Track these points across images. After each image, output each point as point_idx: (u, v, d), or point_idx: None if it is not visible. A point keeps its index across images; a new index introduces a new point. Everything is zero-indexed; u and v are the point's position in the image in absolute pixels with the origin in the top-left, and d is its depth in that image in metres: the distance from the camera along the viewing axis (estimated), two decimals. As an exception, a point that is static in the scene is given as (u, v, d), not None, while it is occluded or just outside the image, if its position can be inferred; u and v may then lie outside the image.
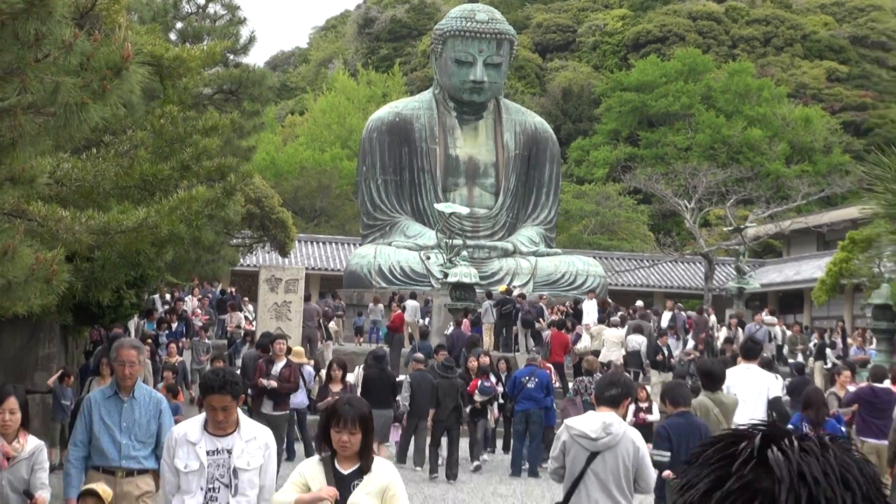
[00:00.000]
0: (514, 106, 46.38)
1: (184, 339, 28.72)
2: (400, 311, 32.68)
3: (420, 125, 43.13)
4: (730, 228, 48.56)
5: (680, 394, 9.08)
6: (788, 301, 51.41)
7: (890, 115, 71.50)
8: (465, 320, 30.76)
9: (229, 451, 6.86)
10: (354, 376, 19.81)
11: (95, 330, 21.90)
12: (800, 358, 32.33)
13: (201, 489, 6.77)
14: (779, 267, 56.04)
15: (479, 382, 19.63)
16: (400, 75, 72.91)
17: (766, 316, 37.58)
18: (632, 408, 17.82)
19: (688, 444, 11.70)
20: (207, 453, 6.85)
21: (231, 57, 24.34)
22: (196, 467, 6.81)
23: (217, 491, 6.80)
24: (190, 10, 25.81)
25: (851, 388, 18.30)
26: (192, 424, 7.14)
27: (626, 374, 23.93)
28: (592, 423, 8.29)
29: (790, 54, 78.56)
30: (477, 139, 43.70)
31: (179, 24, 26.14)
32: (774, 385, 15.69)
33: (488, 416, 20.65)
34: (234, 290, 42.55)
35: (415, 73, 74.60)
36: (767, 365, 16.66)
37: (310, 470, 6.42)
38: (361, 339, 35.38)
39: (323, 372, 20.93)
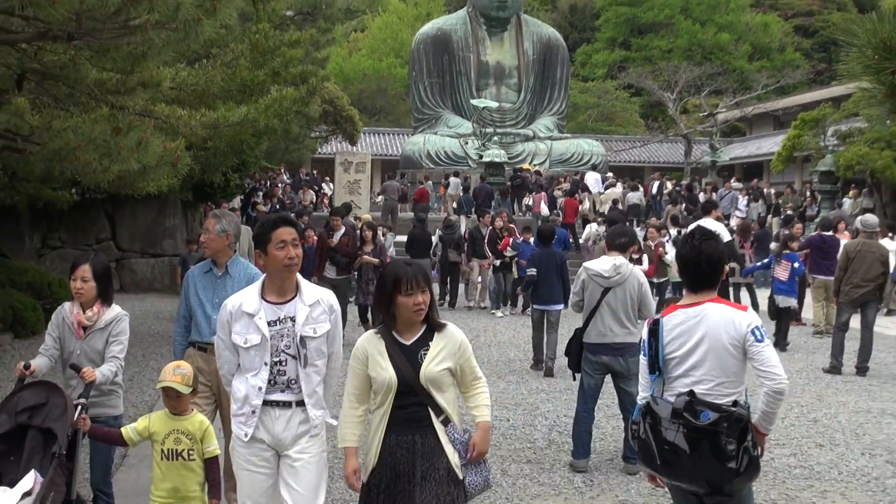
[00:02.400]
0: (531, 20, 45.64)
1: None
2: (422, 186, 32.83)
3: (457, 37, 42.62)
4: (704, 114, 48.11)
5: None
6: (751, 171, 50.88)
7: (832, 20, 70.07)
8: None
9: (293, 319, 4.98)
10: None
11: (208, 206, 21.83)
12: (789, 212, 32.08)
13: (266, 364, 4.94)
14: (744, 144, 55.47)
15: (511, 240, 19.23)
16: (440, -1, 71.97)
17: (734, 183, 37.35)
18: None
19: (546, 265, 13.44)
20: (269, 324, 4.96)
21: (308, -16, 24.11)
22: (258, 341, 4.93)
23: (284, 364, 4.97)
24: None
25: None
26: (248, 294, 5.12)
27: (629, 222, 24.01)
28: (605, 264, 8.27)
29: (752, -28, 76.90)
30: (503, 47, 43.16)
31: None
32: (725, 234, 15.72)
33: (513, 270, 19.54)
34: (315, 172, 42.69)
35: (453, -4, 73.51)
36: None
37: (370, 345, 4.86)
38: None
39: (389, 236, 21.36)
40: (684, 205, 31.03)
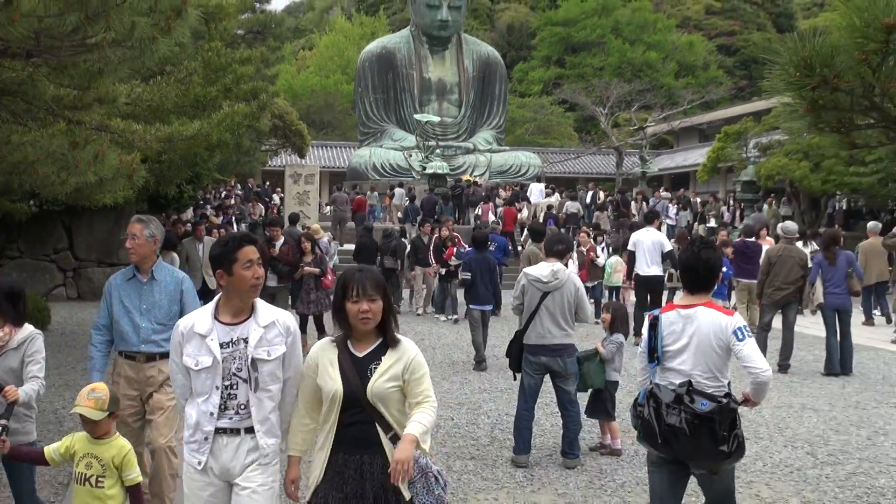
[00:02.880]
0: (471, 39, 45.75)
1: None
2: (362, 196, 33.15)
3: (401, 55, 42.63)
4: (634, 128, 48.58)
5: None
6: (679, 181, 51.42)
7: (752, 39, 71.20)
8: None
9: (245, 341, 4.46)
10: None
11: (163, 217, 21.58)
12: (713, 222, 32.47)
13: (217, 388, 4.43)
14: (671, 156, 56.06)
15: (455, 249, 19.05)
16: (384, 18, 71.71)
17: (662, 192, 37.77)
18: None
19: (481, 269, 13.74)
20: (221, 346, 4.45)
21: (257, 5, 23.91)
22: (209, 363, 4.42)
23: (235, 388, 4.45)
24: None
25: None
26: (201, 314, 4.62)
27: (567, 231, 24.19)
28: (544, 270, 8.32)
29: (677, -6, 77.95)
30: (444, 65, 43.25)
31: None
32: (666, 242, 16.06)
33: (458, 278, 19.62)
34: (267, 183, 42.40)
35: (395, 16, 73.18)
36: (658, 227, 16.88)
37: (322, 354, 4.46)
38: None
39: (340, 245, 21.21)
40: (610, 210, 31.55)
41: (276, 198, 39.16)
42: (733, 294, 17.93)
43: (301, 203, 30.68)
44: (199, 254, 14.79)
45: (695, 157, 49.48)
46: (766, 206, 32.14)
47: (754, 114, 41.45)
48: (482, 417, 10.03)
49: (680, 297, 5.64)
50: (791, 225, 14.83)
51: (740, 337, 5.15)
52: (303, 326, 13.85)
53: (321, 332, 13.64)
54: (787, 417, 10.32)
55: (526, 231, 23.68)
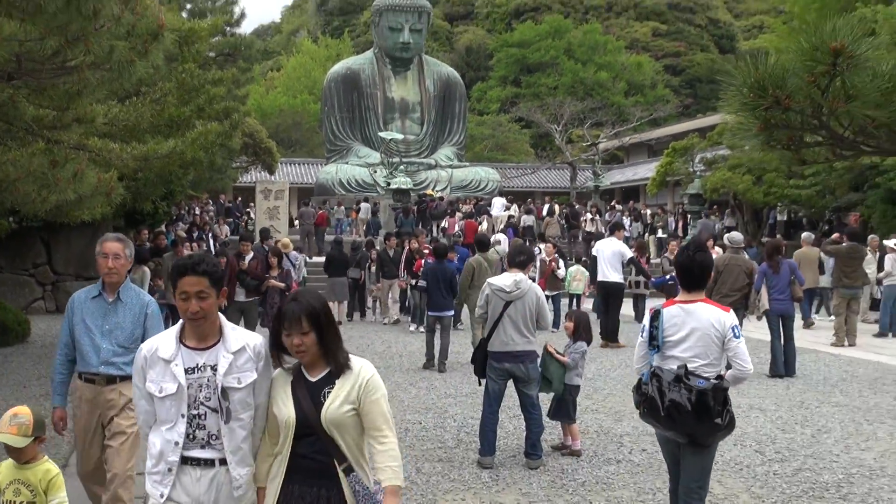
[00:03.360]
0: (432, 60, 45.91)
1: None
2: (324, 212, 33.40)
3: (365, 76, 42.69)
4: (587, 144, 48.77)
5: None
6: (629, 194, 51.83)
7: (696, 60, 72.05)
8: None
9: (213, 368, 3.98)
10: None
11: (139, 232, 21.33)
12: (660, 233, 32.68)
13: (182, 416, 3.95)
14: (622, 170, 56.47)
15: (424, 261, 18.93)
16: (349, 40, 71.68)
17: (616, 205, 38.01)
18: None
19: (437, 278, 14.02)
20: (186, 371, 3.97)
21: (228, 29, 23.84)
22: (173, 390, 3.93)
23: (204, 417, 3.97)
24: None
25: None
26: (165, 337, 4.13)
27: (525, 242, 24.29)
28: (507, 280, 8.32)
29: (626, 17, 78.38)
30: (406, 85, 43.33)
31: (189, 5, 25.55)
32: (627, 251, 16.22)
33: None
34: (239, 199, 42.09)
35: (359, 38, 73.19)
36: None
37: (277, 381, 4.03)
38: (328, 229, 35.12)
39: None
40: (557, 218, 31.82)
41: (251, 213, 38.79)
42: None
43: (272, 217, 30.66)
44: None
45: (644, 171, 49.86)
46: (712, 217, 32.40)
47: (700, 130, 41.82)
48: (448, 421, 10.00)
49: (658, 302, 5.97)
50: (737, 235, 14.97)
51: (736, 334, 5.56)
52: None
53: None
54: (735, 417, 10.36)
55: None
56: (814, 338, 17.67)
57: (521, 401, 8.38)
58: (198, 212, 33.29)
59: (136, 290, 5.92)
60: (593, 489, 7.51)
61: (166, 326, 5.27)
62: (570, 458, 8.50)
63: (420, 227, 32.13)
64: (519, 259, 8.59)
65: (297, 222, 34.82)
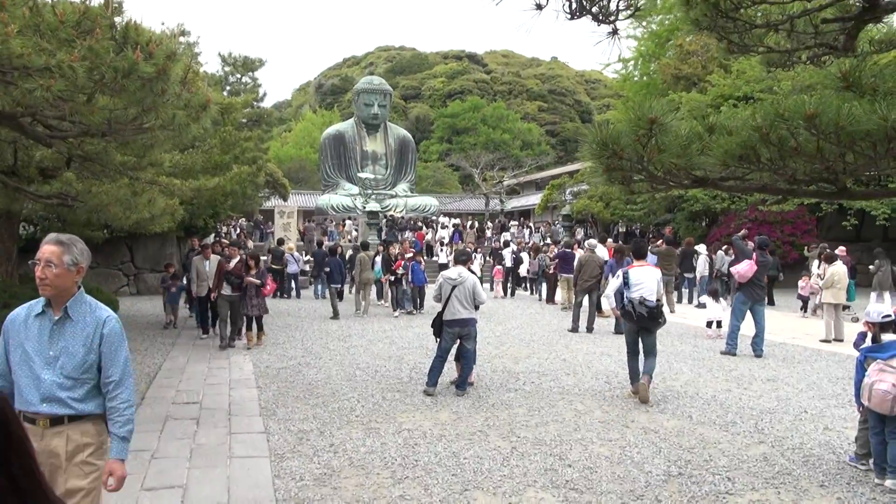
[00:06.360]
0: (392, 125, 45.61)
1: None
2: (307, 225, 33.21)
3: (349, 135, 42.42)
4: (496, 182, 49.05)
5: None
6: (524, 214, 52.00)
7: (566, 126, 72.92)
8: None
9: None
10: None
11: (194, 239, 20.73)
12: (548, 239, 32.67)
13: None
14: (519, 199, 56.63)
15: (402, 262, 17.27)
16: (338, 112, 70.99)
17: (513, 223, 38.15)
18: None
19: (337, 265, 15.83)
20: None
21: (255, 103, 23.49)
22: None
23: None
24: (233, 79, 24.83)
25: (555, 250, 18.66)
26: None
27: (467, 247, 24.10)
28: (454, 273, 8.33)
29: (521, 98, 79.04)
30: (376, 141, 43.12)
31: (228, 87, 25.09)
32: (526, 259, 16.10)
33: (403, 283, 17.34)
34: (262, 217, 41.22)
35: (345, 110, 72.01)
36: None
37: None
38: (326, 239, 34.61)
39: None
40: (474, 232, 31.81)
41: (274, 226, 37.77)
42: (558, 284, 18.15)
43: (285, 231, 30.30)
44: (206, 269, 13.08)
45: (533, 199, 50.02)
46: (579, 230, 32.72)
47: (569, 172, 42.22)
48: (404, 366, 9.97)
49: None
50: (592, 241, 15.18)
51: (665, 281, 7.12)
52: (248, 325, 11.96)
53: (260, 330, 12.00)
54: (592, 360, 10.43)
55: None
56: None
57: (460, 351, 8.36)
58: (224, 230, 32.10)
59: (91, 305, 3.16)
60: (499, 408, 7.55)
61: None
62: (484, 387, 8.52)
63: (392, 235, 31.97)
64: (461, 258, 8.68)
65: (304, 233, 34.44)
